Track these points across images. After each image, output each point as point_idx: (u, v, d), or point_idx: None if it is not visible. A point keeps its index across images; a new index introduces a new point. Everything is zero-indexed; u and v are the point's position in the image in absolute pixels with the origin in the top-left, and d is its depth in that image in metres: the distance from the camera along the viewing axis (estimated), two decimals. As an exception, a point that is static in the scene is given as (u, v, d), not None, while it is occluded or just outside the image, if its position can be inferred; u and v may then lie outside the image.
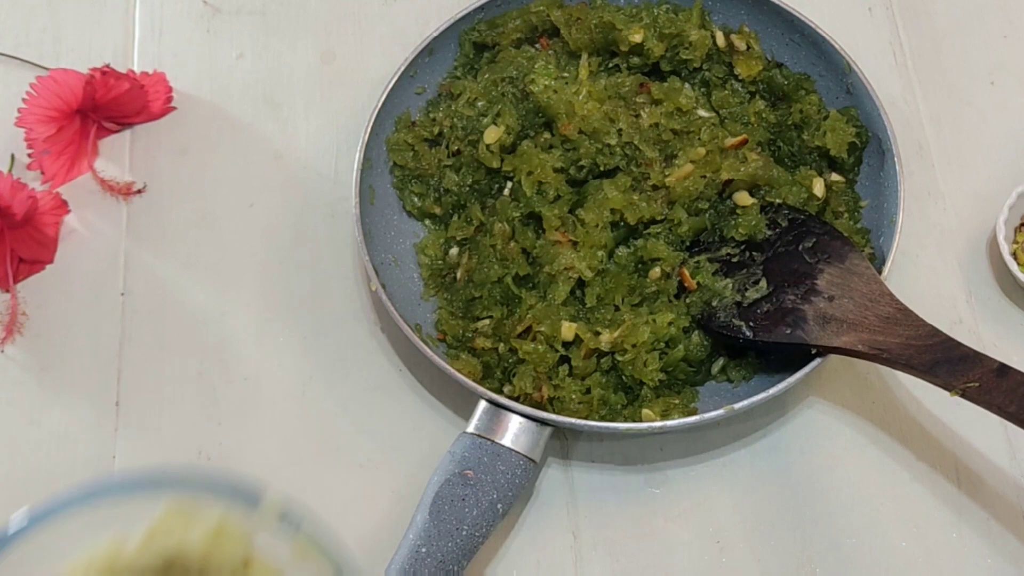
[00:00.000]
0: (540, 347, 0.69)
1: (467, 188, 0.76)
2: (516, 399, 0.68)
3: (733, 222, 0.73)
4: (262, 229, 0.80)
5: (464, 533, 0.64)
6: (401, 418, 0.73)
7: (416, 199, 0.77)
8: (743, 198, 0.73)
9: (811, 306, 0.67)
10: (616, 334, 0.69)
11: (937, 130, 0.82)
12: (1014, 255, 0.74)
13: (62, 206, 0.79)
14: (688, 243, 0.74)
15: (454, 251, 0.75)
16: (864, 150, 0.76)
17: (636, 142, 0.73)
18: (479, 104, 0.76)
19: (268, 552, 0.43)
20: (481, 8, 0.79)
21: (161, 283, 0.78)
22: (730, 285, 0.71)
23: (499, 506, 0.65)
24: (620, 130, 0.74)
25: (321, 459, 0.72)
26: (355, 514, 0.69)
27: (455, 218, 0.76)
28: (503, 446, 0.66)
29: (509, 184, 0.75)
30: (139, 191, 0.81)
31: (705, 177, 0.73)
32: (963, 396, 0.61)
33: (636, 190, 0.73)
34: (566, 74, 0.76)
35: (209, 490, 0.43)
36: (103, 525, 0.42)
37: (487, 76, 0.77)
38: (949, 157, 0.81)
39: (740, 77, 0.77)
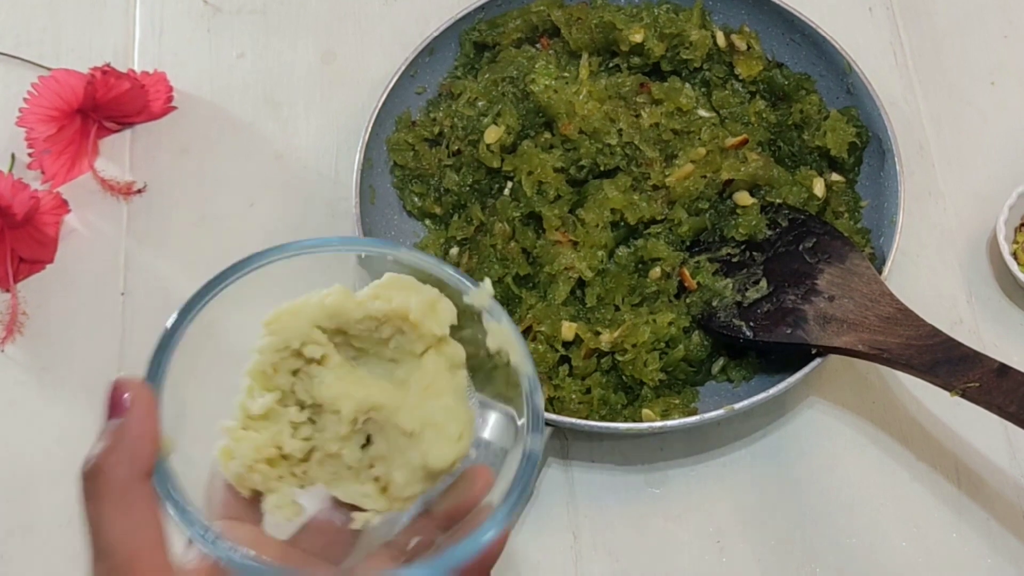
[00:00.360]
0: (540, 347, 0.69)
1: (467, 188, 0.76)
2: (516, 399, 0.68)
3: (733, 222, 0.73)
4: (262, 229, 0.80)
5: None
6: (401, 418, 0.73)
7: (416, 199, 0.77)
8: (743, 198, 0.73)
9: (811, 306, 0.67)
10: (616, 334, 0.69)
11: (937, 130, 0.82)
12: (1014, 255, 0.74)
13: (62, 206, 0.79)
14: (688, 243, 0.74)
15: (454, 251, 0.75)
16: (864, 150, 0.76)
17: (636, 142, 0.73)
18: (479, 104, 0.76)
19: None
20: (481, 8, 0.79)
21: (161, 283, 0.78)
22: (730, 285, 0.71)
23: (499, 506, 0.65)
24: (620, 130, 0.74)
25: (321, 459, 0.72)
26: (355, 514, 0.69)
27: (455, 218, 0.76)
28: (503, 446, 0.66)
29: (509, 184, 0.75)
30: (139, 191, 0.81)
31: (705, 177, 0.73)
32: (963, 396, 0.61)
33: (636, 190, 0.73)
34: (566, 74, 0.76)
35: (433, 269, 0.48)
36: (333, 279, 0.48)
37: (487, 76, 0.77)
38: (949, 157, 0.81)
39: (740, 77, 0.77)
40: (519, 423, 0.47)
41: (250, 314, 0.48)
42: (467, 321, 0.48)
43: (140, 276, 0.78)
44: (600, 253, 0.72)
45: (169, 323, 0.46)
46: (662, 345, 0.70)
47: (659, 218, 0.73)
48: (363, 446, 0.46)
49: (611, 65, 0.78)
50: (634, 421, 0.68)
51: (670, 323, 0.70)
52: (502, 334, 0.47)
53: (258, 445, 0.45)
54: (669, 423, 0.66)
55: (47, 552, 0.70)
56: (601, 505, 0.70)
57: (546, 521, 0.70)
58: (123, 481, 0.39)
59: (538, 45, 0.80)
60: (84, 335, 0.76)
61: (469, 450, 0.46)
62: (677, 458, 0.72)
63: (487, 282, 0.48)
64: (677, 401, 0.70)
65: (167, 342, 0.46)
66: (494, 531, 0.42)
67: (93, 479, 0.40)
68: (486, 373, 0.49)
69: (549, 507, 0.70)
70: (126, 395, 0.40)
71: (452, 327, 0.47)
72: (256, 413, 0.45)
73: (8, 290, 0.77)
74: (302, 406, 0.46)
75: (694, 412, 0.69)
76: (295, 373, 0.46)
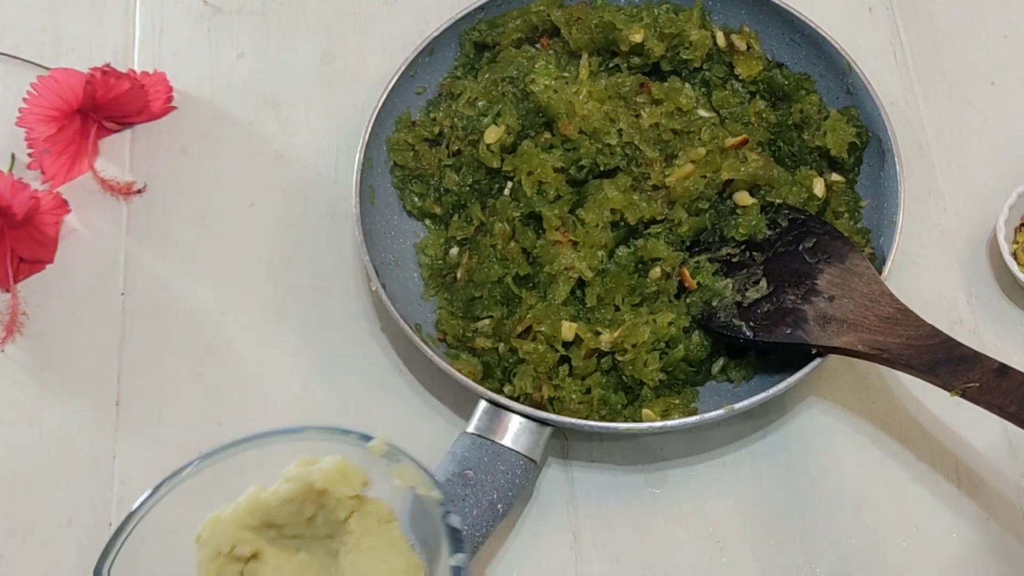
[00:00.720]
0: (540, 347, 0.69)
1: (467, 188, 0.76)
2: (516, 399, 0.68)
3: (733, 222, 0.73)
4: (262, 229, 0.80)
5: (464, 533, 0.64)
6: (401, 418, 0.73)
7: (416, 199, 0.77)
8: (743, 198, 0.73)
9: (811, 306, 0.67)
10: (616, 334, 0.69)
11: (937, 130, 0.82)
12: (1014, 255, 0.74)
13: (62, 206, 0.79)
14: (688, 243, 0.74)
15: (454, 251, 0.75)
16: (864, 150, 0.76)
17: (636, 142, 0.73)
18: (479, 104, 0.76)
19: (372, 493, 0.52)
20: (481, 8, 0.79)
21: (161, 283, 0.78)
22: (730, 285, 0.71)
23: (499, 506, 0.65)
24: (620, 130, 0.74)
25: (321, 459, 0.72)
26: (355, 514, 0.69)
27: (455, 218, 0.76)
28: (503, 446, 0.66)
29: (509, 184, 0.75)
30: (139, 191, 0.81)
31: (705, 177, 0.73)
32: (963, 396, 0.61)
33: (636, 190, 0.73)
34: (566, 74, 0.76)
35: (330, 437, 0.52)
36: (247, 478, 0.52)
37: (487, 76, 0.77)
38: (949, 157, 0.81)
39: (740, 77, 0.77)
40: (443, 550, 0.49)
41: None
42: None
43: (140, 276, 0.78)
44: (600, 253, 0.72)
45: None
46: (662, 345, 0.70)
47: (659, 218, 0.73)
48: None
49: (611, 65, 0.78)
50: (634, 421, 0.68)
51: (670, 323, 0.70)
52: (405, 472, 0.51)
53: None
54: (669, 423, 0.66)
55: (47, 552, 0.70)
56: (601, 505, 0.70)
57: (546, 521, 0.70)
58: None
59: (538, 45, 0.80)
60: (84, 335, 0.76)
61: None
62: (677, 458, 0.72)
63: (379, 435, 0.52)
64: (677, 401, 0.70)
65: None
66: None
67: None
68: (424, 515, 0.52)
69: (549, 507, 0.70)
70: None
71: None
72: None
73: (8, 290, 0.77)
74: None
75: (694, 412, 0.69)
76: (241, 574, 0.50)
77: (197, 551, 0.50)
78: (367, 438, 0.52)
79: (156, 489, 0.52)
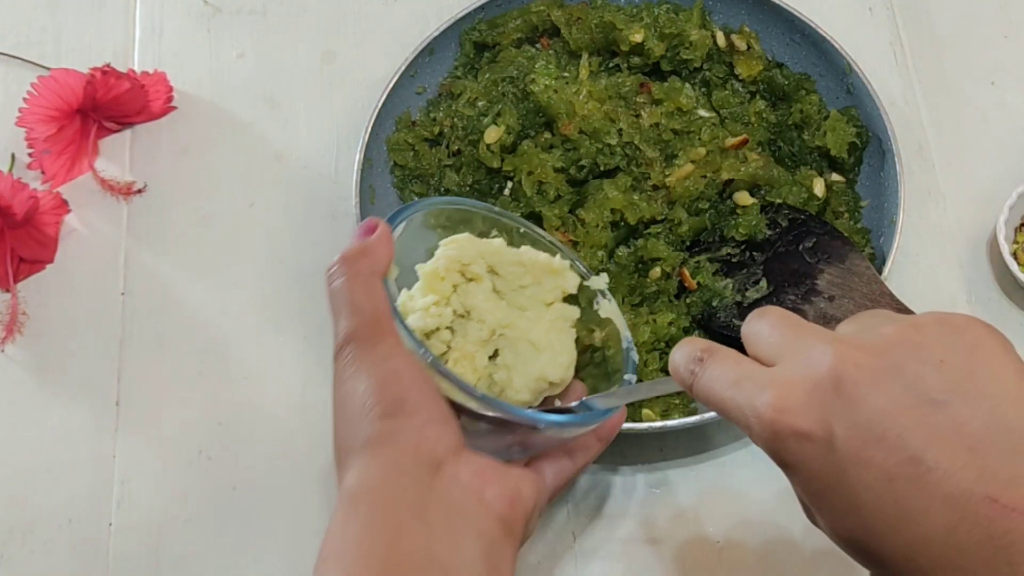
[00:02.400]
0: (540, 347, 0.69)
1: (467, 188, 0.76)
2: (516, 399, 0.68)
3: (733, 222, 0.73)
4: (262, 229, 0.80)
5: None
6: (401, 418, 0.73)
7: (416, 199, 0.77)
8: (743, 198, 0.73)
9: (811, 306, 0.67)
10: (616, 334, 0.69)
11: (937, 130, 0.82)
12: (1014, 255, 0.74)
13: (62, 206, 0.79)
14: (688, 243, 0.74)
15: (454, 251, 0.75)
16: (864, 150, 0.76)
17: (636, 142, 0.73)
18: (479, 104, 0.76)
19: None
20: (481, 8, 0.79)
21: (161, 283, 0.78)
22: (730, 285, 0.71)
23: (499, 506, 0.65)
24: (620, 130, 0.74)
25: (322, 458, 0.72)
26: (355, 514, 0.69)
27: (455, 218, 0.76)
28: (503, 446, 0.66)
29: (509, 184, 0.75)
30: (139, 191, 0.81)
31: (705, 177, 0.73)
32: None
33: (636, 190, 0.73)
34: (566, 74, 0.76)
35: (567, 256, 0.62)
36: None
37: (487, 76, 0.77)
38: (949, 157, 0.81)
39: (740, 77, 0.77)
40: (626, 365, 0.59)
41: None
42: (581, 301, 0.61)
43: (140, 276, 0.78)
44: (600, 253, 0.72)
45: (405, 205, 0.58)
46: (662, 345, 0.70)
47: (659, 218, 0.73)
48: (490, 357, 0.57)
49: (611, 65, 0.78)
50: (634, 421, 0.68)
51: (670, 323, 0.70)
52: (611, 309, 0.61)
53: (415, 328, 0.55)
54: (669, 423, 0.66)
55: (47, 552, 0.70)
56: (601, 505, 0.70)
57: (546, 521, 0.70)
58: (367, 273, 0.52)
59: (538, 45, 0.80)
60: (84, 335, 0.76)
61: (570, 378, 0.59)
62: (677, 458, 0.72)
63: (604, 276, 0.62)
64: (677, 401, 0.70)
65: (404, 210, 0.57)
66: (598, 417, 0.55)
67: (343, 266, 0.53)
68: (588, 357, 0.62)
69: (549, 507, 0.70)
70: (376, 225, 0.54)
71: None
72: (418, 307, 0.56)
73: (8, 290, 0.77)
74: (453, 313, 0.57)
75: (694, 412, 0.69)
76: (454, 288, 0.57)
77: (442, 246, 0.58)
78: (593, 273, 0.62)
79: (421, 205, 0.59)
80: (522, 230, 0.62)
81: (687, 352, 0.47)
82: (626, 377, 0.58)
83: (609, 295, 0.62)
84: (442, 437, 0.50)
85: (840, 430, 0.40)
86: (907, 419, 0.39)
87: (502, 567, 0.49)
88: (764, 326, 0.45)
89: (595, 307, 0.61)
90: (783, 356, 0.44)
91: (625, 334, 0.61)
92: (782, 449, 0.42)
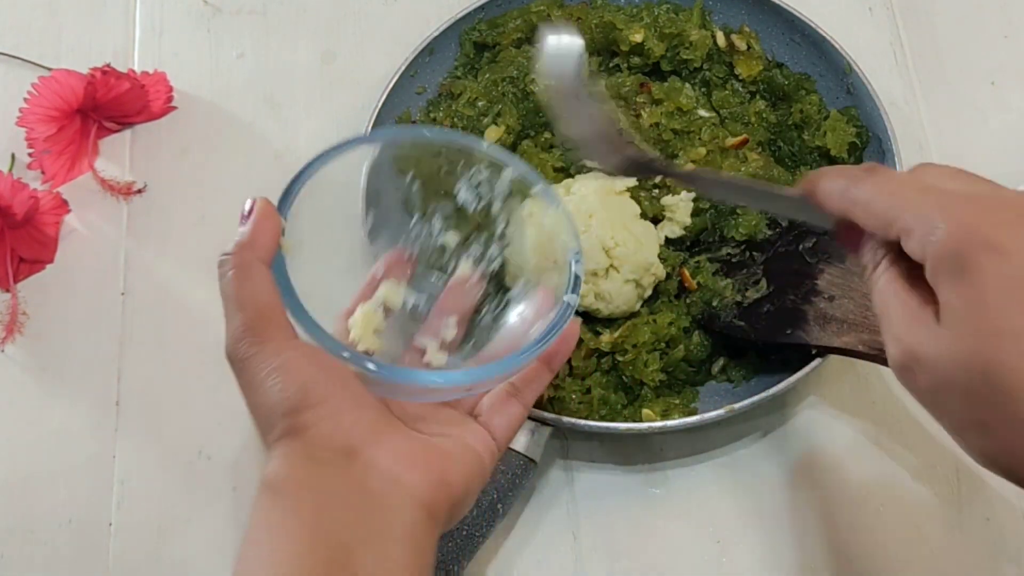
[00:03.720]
0: (540, 347, 0.69)
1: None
2: (516, 399, 0.68)
3: (733, 222, 0.73)
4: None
5: (464, 533, 0.64)
6: (401, 418, 0.73)
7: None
8: (743, 198, 0.73)
9: (811, 306, 0.67)
10: (616, 334, 0.69)
11: (937, 130, 0.82)
12: (1014, 255, 0.74)
13: (62, 206, 0.79)
14: (688, 243, 0.74)
15: (454, 251, 0.75)
16: (864, 150, 0.76)
17: (636, 142, 0.73)
18: (479, 104, 0.76)
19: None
20: (482, 8, 0.79)
21: (161, 283, 0.78)
22: (730, 285, 0.71)
23: (499, 506, 0.65)
24: (621, 130, 0.74)
25: (321, 459, 0.72)
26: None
27: (455, 218, 0.76)
28: (503, 446, 0.66)
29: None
30: (139, 191, 0.81)
31: (705, 177, 0.73)
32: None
33: (637, 189, 0.73)
34: (566, 74, 0.76)
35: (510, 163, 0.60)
36: None
37: (487, 76, 0.77)
38: (949, 157, 0.81)
39: (740, 77, 0.77)
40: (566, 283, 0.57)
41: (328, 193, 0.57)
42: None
43: (140, 276, 0.78)
44: (600, 253, 0.72)
45: (297, 172, 0.56)
46: (662, 345, 0.70)
47: (660, 217, 0.73)
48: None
49: (611, 65, 0.78)
50: (634, 421, 0.68)
51: (670, 323, 0.70)
52: (557, 216, 0.59)
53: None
54: (669, 423, 0.66)
55: (47, 552, 0.70)
56: (601, 505, 0.70)
57: (546, 521, 0.70)
58: (249, 260, 0.51)
59: (538, 45, 0.80)
60: (84, 335, 0.76)
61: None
62: (677, 458, 0.72)
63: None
64: (677, 401, 0.70)
65: (294, 181, 0.55)
66: (522, 358, 0.53)
67: (226, 260, 0.51)
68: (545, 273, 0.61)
69: (549, 507, 0.70)
70: (251, 206, 0.52)
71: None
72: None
73: (8, 290, 0.77)
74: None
75: (694, 412, 0.69)
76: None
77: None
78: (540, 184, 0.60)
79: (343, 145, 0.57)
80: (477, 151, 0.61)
81: (842, 169, 0.48)
82: (566, 298, 0.56)
83: (557, 200, 0.60)
84: (356, 423, 0.49)
85: None
86: None
87: (424, 550, 0.48)
88: (947, 172, 0.45)
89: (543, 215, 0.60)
90: (977, 189, 0.44)
91: (571, 245, 0.58)
92: (970, 255, 0.41)
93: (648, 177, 0.59)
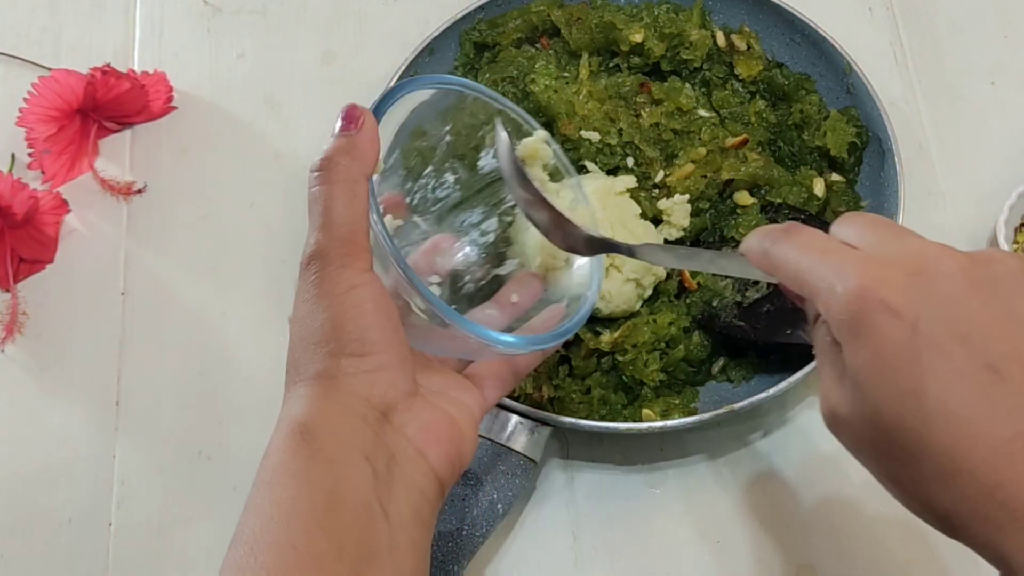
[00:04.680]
0: (540, 347, 0.69)
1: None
2: (516, 399, 0.68)
3: (733, 222, 0.73)
4: (262, 229, 0.80)
5: (464, 533, 0.64)
6: (401, 418, 0.73)
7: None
8: (743, 198, 0.73)
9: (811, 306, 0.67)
10: (616, 334, 0.69)
11: (937, 130, 0.82)
12: (1014, 255, 0.74)
13: (62, 206, 0.79)
14: (688, 243, 0.74)
15: (454, 251, 0.75)
16: (864, 150, 0.76)
17: (636, 142, 0.73)
18: (479, 104, 0.76)
19: None
20: (482, 8, 0.79)
21: (161, 283, 0.78)
22: (730, 285, 0.71)
23: (499, 506, 0.65)
24: (621, 130, 0.74)
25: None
26: (355, 514, 0.69)
27: (455, 218, 0.76)
28: (503, 446, 0.66)
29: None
30: (139, 191, 0.81)
31: (706, 177, 0.73)
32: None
33: (637, 189, 0.73)
34: (566, 74, 0.76)
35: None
36: None
37: (488, 76, 0.77)
38: (949, 157, 0.81)
39: (740, 77, 0.77)
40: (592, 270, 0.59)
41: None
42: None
43: (140, 276, 0.78)
44: (600, 253, 0.72)
45: (389, 90, 0.54)
46: (662, 345, 0.70)
47: (660, 218, 0.73)
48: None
49: (611, 65, 0.78)
50: (634, 421, 0.68)
51: (670, 323, 0.70)
52: (583, 212, 0.61)
53: None
54: (669, 423, 0.66)
55: (47, 552, 0.70)
56: (601, 505, 0.70)
57: (546, 521, 0.70)
58: (353, 175, 0.48)
59: (538, 45, 0.80)
60: (84, 335, 0.76)
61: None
62: (677, 458, 0.72)
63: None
64: (677, 401, 0.70)
65: (389, 95, 0.53)
66: (560, 337, 0.54)
67: (328, 168, 0.49)
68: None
69: (549, 507, 0.70)
70: (360, 115, 0.50)
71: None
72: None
73: (8, 290, 0.77)
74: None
75: (694, 412, 0.69)
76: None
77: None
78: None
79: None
80: (501, 109, 0.60)
81: (767, 229, 0.48)
82: (588, 293, 0.56)
83: (586, 196, 0.61)
84: (396, 383, 0.48)
85: (927, 317, 0.41)
86: (995, 330, 0.40)
87: (429, 523, 0.48)
88: (860, 225, 0.46)
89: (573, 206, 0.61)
90: (882, 245, 0.44)
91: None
92: (864, 319, 0.42)
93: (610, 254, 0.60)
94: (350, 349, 0.47)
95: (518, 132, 0.60)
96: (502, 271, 0.62)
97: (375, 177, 0.50)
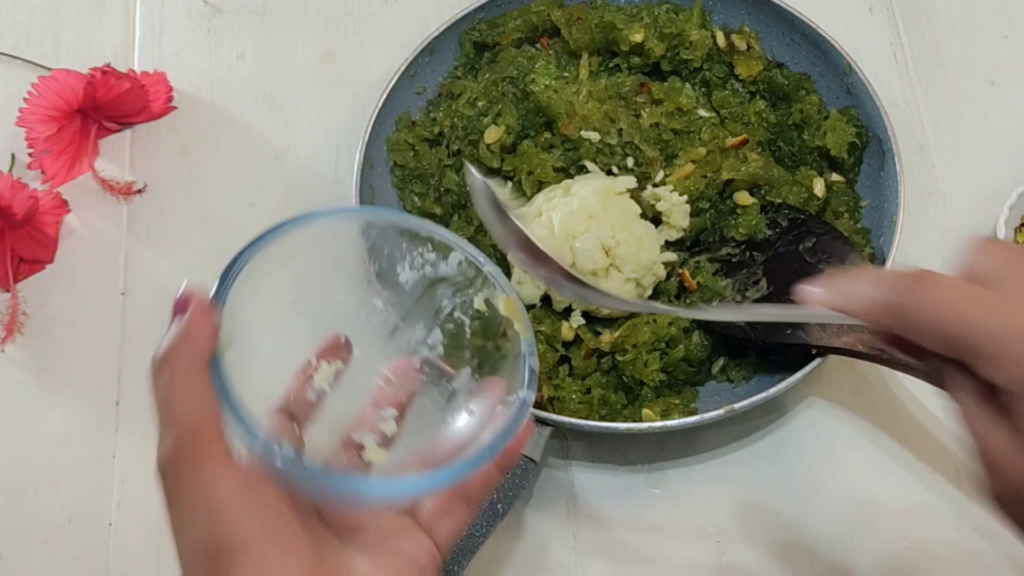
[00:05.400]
0: (540, 347, 0.69)
1: (467, 188, 0.76)
2: (516, 399, 0.68)
3: (733, 222, 0.73)
4: (262, 229, 0.79)
5: (464, 533, 0.64)
6: (401, 418, 0.73)
7: (416, 199, 0.77)
8: (743, 198, 0.73)
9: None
10: (616, 334, 0.69)
11: (937, 130, 0.82)
12: (1014, 255, 0.74)
13: (62, 206, 0.79)
14: (688, 243, 0.74)
15: (454, 251, 0.75)
16: (864, 150, 0.76)
17: (636, 142, 0.73)
18: (479, 104, 0.76)
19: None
20: (481, 8, 0.79)
21: (161, 283, 0.78)
22: (730, 285, 0.71)
23: (499, 506, 0.65)
24: (621, 130, 0.74)
25: (321, 459, 0.72)
26: (355, 514, 0.69)
27: (455, 218, 0.76)
28: (503, 446, 0.66)
29: (510, 184, 0.75)
30: (139, 191, 0.81)
31: (706, 177, 0.73)
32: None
33: (637, 189, 0.73)
34: (566, 74, 0.76)
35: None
36: None
37: (487, 76, 0.77)
38: (949, 157, 0.81)
39: (740, 77, 0.77)
40: (522, 379, 0.52)
41: (278, 273, 0.56)
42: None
43: (140, 276, 0.78)
44: (600, 253, 0.72)
45: (232, 258, 0.53)
46: (662, 345, 0.70)
47: (660, 219, 0.73)
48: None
49: (611, 65, 0.79)
50: (634, 421, 0.68)
51: (670, 323, 0.70)
52: (512, 304, 0.54)
53: None
54: (669, 423, 0.66)
55: (47, 552, 0.70)
56: (601, 505, 0.70)
57: (546, 521, 0.70)
58: (186, 365, 0.46)
59: (538, 45, 0.80)
60: (84, 335, 0.76)
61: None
62: (677, 458, 0.72)
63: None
64: (677, 401, 0.70)
65: (228, 271, 0.53)
66: (475, 464, 0.47)
67: (162, 364, 0.46)
68: (493, 363, 0.56)
69: (549, 507, 0.70)
70: (187, 299, 0.49)
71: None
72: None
73: (8, 290, 0.77)
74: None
75: (694, 412, 0.69)
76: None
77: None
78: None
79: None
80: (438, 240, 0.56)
81: (879, 277, 0.44)
82: (521, 394, 0.51)
83: (512, 290, 0.55)
84: (285, 570, 0.43)
85: None
86: None
87: None
88: (1000, 264, 0.43)
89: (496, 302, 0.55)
90: None
91: (526, 335, 0.53)
92: None
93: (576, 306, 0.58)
94: (223, 548, 0.44)
95: (415, 239, 0.56)
96: (458, 384, 0.57)
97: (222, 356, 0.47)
